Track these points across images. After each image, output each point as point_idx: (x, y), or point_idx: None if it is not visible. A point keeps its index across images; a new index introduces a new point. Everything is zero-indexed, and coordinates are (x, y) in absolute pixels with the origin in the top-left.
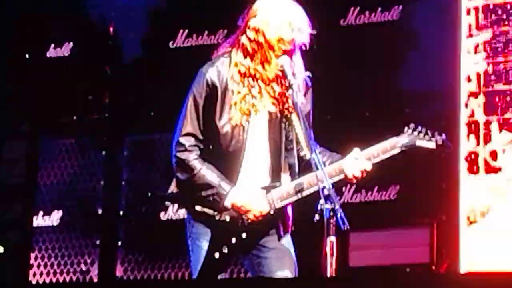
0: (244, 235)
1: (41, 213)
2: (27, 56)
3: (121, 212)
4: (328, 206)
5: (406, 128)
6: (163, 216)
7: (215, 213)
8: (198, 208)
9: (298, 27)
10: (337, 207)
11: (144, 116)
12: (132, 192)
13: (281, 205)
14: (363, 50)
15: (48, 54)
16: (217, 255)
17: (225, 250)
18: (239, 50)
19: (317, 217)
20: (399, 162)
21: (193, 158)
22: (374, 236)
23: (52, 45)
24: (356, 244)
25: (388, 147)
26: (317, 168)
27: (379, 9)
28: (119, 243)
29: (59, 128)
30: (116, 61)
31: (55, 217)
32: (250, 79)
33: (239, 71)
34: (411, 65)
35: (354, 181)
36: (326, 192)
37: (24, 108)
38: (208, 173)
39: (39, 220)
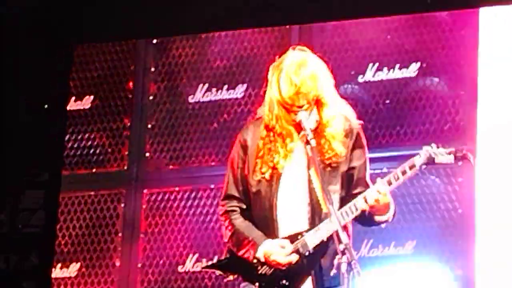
0: (285, 282)
1: (59, 265)
2: (46, 106)
3: (139, 265)
4: (345, 260)
5: (424, 147)
6: (181, 269)
7: (257, 269)
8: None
9: (300, 82)
10: (354, 261)
11: (163, 169)
12: (150, 245)
13: (313, 246)
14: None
15: (68, 107)
16: None
17: None
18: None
19: (334, 271)
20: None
21: (232, 218)
22: None
23: (73, 98)
24: None
25: (407, 167)
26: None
27: (397, 65)
28: None
29: (78, 179)
30: (136, 114)
31: (73, 268)
32: (272, 136)
33: (266, 130)
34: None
35: (370, 208)
36: (343, 247)
37: (44, 158)
38: (245, 229)
39: (57, 271)
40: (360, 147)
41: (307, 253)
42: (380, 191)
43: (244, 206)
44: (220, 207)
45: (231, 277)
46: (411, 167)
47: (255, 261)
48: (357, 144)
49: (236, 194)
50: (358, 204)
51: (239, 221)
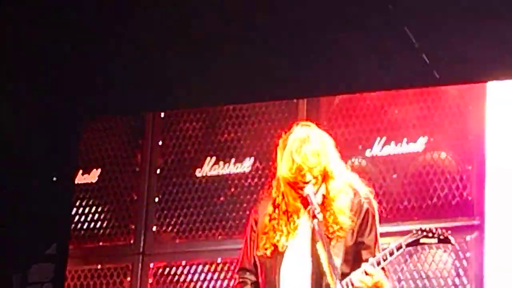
0: None
1: None
2: (54, 179)
3: None
4: None
5: (413, 230)
6: None
7: None
8: None
9: (302, 159)
10: None
11: (170, 242)
12: None
13: None
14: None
15: (76, 180)
16: None
17: None
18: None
19: None
20: None
21: None
22: None
23: (80, 171)
24: None
25: (395, 248)
26: None
27: (405, 140)
28: None
29: (85, 253)
30: (143, 188)
31: None
32: (277, 213)
33: (273, 206)
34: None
35: None
36: None
37: (51, 232)
38: None
39: None
40: (369, 223)
41: None
42: (367, 272)
43: (254, 279)
44: (235, 277)
45: None
46: (398, 248)
47: None
48: (365, 220)
49: (248, 267)
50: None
51: None
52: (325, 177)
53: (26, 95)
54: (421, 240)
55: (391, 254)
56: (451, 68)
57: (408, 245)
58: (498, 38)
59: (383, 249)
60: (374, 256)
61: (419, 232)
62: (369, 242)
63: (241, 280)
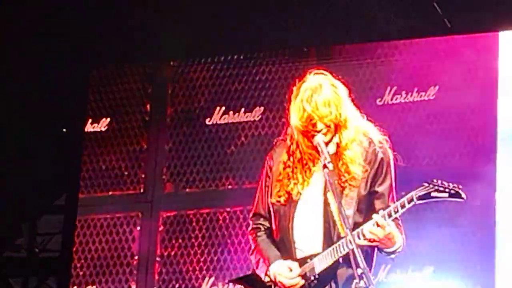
0: None
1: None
2: (64, 130)
3: None
4: (363, 285)
5: (424, 183)
6: None
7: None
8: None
9: (312, 109)
10: (372, 286)
11: (180, 192)
12: (166, 269)
13: (320, 271)
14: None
15: (86, 129)
16: None
17: None
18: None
19: None
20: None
21: (257, 235)
22: None
23: (90, 120)
24: None
25: (406, 201)
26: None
27: (416, 89)
28: None
29: (95, 203)
30: (153, 137)
31: None
32: (292, 161)
33: (287, 154)
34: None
35: (366, 243)
36: (360, 271)
37: (61, 182)
38: (264, 247)
39: None
40: (383, 172)
41: (312, 278)
42: (378, 224)
43: (268, 225)
44: (250, 223)
45: None
46: (409, 201)
47: (267, 279)
48: (380, 169)
49: (263, 213)
50: (356, 238)
51: (261, 239)
52: (338, 126)
53: (35, 46)
54: (432, 194)
55: (403, 206)
56: (463, 17)
57: (419, 198)
58: None
59: (398, 199)
60: (388, 205)
61: (431, 186)
62: (383, 191)
63: (255, 225)
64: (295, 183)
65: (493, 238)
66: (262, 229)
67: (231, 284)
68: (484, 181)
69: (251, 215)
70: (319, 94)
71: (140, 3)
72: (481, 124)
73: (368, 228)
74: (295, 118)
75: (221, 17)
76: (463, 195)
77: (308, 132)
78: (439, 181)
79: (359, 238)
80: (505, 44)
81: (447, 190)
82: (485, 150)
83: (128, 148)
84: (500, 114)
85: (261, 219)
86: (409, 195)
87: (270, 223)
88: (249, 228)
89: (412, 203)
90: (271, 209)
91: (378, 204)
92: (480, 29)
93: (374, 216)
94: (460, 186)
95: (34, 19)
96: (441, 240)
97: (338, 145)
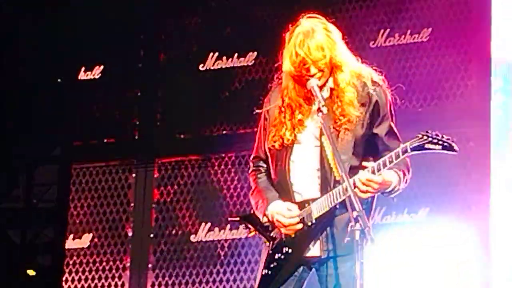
0: (289, 250)
1: (71, 236)
2: (59, 80)
3: (151, 235)
4: (358, 227)
5: (419, 134)
6: (193, 238)
7: (269, 230)
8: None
9: (305, 53)
10: (368, 228)
11: (174, 138)
12: (162, 215)
13: (317, 216)
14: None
15: (79, 77)
16: (265, 271)
17: (273, 265)
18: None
19: (347, 238)
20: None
21: (256, 176)
22: None
23: (83, 68)
24: None
25: (401, 151)
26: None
27: (409, 31)
28: (149, 266)
29: (89, 151)
30: (146, 84)
31: (86, 239)
32: (286, 103)
33: (281, 98)
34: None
35: (362, 194)
36: (356, 214)
37: (55, 131)
38: (263, 188)
39: (69, 243)
40: (380, 114)
41: (309, 223)
42: (368, 179)
43: (266, 166)
44: (250, 164)
45: (252, 233)
46: (404, 152)
47: (265, 219)
48: (375, 111)
49: (262, 155)
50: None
51: (261, 180)
52: (332, 69)
53: None
54: (426, 146)
55: (397, 157)
56: None
57: (413, 149)
58: None
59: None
60: (388, 146)
61: (425, 137)
62: (380, 132)
63: (255, 167)
64: (285, 129)
65: (488, 179)
66: (262, 171)
67: (227, 228)
68: (478, 121)
69: (251, 157)
70: (312, 38)
71: None
72: (474, 65)
73: (361, 180)
74: (288, 63)
75: None
76: (456, 148)
77: (302, 76)
78: (433, 133)
79: (354, 188)
80: None
81: (440, 142)
82: (480, 90)
83: (122, 95)
84: (493, 54)
85: (261, 161)
86: (403, 146)
87: (269, 166)
88: (250, 170)
89: (407, 154)
90: (268, 152)
91: (379, 145)
92: None
93: (362, 172)
94: (454, 139)
95: None
96: (436, 182)
97: (332, 89)
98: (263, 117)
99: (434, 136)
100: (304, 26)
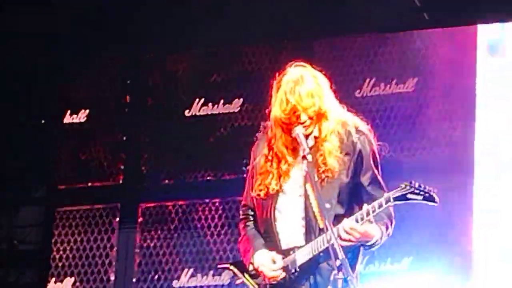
0: None
1: (53, 279)
2: (43, 121)
3: (134, 279)
4: (341, 276)
5: (401, 184)
6: (176, 284)
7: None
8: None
9: (296, 100)
10: (350, 277)
11: (159, 183)
12: (145, 260)
13: (300, 264)
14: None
15: (64, 120)
16: None
17: None
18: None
19: (329, 287)
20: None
21: (245, 225)
22: None
23: (69, 112)
24: None
25: (384, 201)
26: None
27: (394, 81)
28: None
29: (74, 194)
30: (132, 129)
31: (68, 283)
32: (271, 155)
33: (268, 147)
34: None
35: (344, 243)
36: (339, 262)
37: (40, 173)
38: (251, 236)
39: (51, 286)
40: (364, 163)
41: (293, 270)
42: (352, 227)
43: (254, 214)
44: (240, 212)
45: (239, 281)
46: (387, 201)
47: (251, 267)
48: (359, 160)
49: (250, 204)
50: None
51: (249, 228)
52: (319, 117)
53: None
54: (408, 196)
55: (380, 206)
56: (441, 10)
57: (396, 199)
58: None
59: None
60: (372, 194)
61: (407, 188)
62: (365, 181)
63: (244, 215)
64: (271, 178)
65: (471, 229)
66: (251, 218)
67: (210, 274)
68: (461, 172)
69: (241, 204)
70: (302, 85)
71: None
72: (459, 117)
73: (344, 229)
74: (278, 110)
75: (199, 9)
76: (437, 200)
77: (290, 124)
78: (416, 184)
79: (337, 237)
80: (483, 37)
81: (421, 193)
82: (464, 143)
83: (108, 139)
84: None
85: (249, 209)
86: (386, 196)
87: (256, 214)
88: (239, 218)
89: (389, 203)
90: (254, 202)
91: (364, 194)
92: (459, 22)
93: (345, 221)
94: (435, 190)
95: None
96: (419, 232)
97: (316, 138)
98: (251, 167)
99: (416, 187)
100: (293, 74)
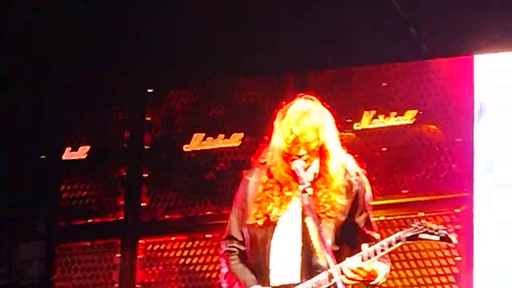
0: None
1: None
2: (42, 157)
3: None
4: None
5: (413, 223)
6: None
7: None
8: None
9: (300, 131)
10: None
11: (159, 218)
12: None
13: None
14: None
15: (64, 157)
16: None
17: None
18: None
19: None
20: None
21: (230, 259)
22: None
23: (69, 148)
24: None
25: (394, 240)
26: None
27: (394, 113)
28: None
29: (74, 230)
30: (132, 164)
31: None
32: (271, 183)
33: (267, 175)
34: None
35: (348, 281)
36: None
37: (39, 209)
38: (239, 271)
39: None
40: (359, 205)
41: None
42: (359, 267)
43: (243, 248)
44: (222, 245)
45: None
46: (397, 241)
47: None
48: (356, 201)
49: (237, 236)
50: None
51: (235, 262)
52: (321, 154)
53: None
54: (420, 236)
55: (390, 246)
56: (439, 41)
57: (408, 238)
58: (485, 12)
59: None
60: (366, 236)
61: (420, 227)
62: (360, 222)
63: (228, 248)
64: (273, 205)
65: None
66: (237, 252)
67: None
68: (462, 205)
69: (224, 237)
70: (308, 118)
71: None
72: (458, 149)
73: (349, 267)
74: (280, 139)
75: (198, 44)
76: (454, 239)
77: (290, 155)
78: (429, 223)
79: (341, 275)
80: (479, 67)
81: (436, 233)
82: (463, 176)
83: (108, 175)
84: (476, 138)
85: (235, 242)
86: (397, 235)
87: (245, 247)
88: (222, 251)
89: (400, 243)
90: (247, 232)
91: (358, 234)
92: (455, 52)
93: (349, 259)
94: (450, 230)
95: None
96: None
97: (319, 174)
98: (241, 197)
99: (429, 227)
100: (301, 105)
